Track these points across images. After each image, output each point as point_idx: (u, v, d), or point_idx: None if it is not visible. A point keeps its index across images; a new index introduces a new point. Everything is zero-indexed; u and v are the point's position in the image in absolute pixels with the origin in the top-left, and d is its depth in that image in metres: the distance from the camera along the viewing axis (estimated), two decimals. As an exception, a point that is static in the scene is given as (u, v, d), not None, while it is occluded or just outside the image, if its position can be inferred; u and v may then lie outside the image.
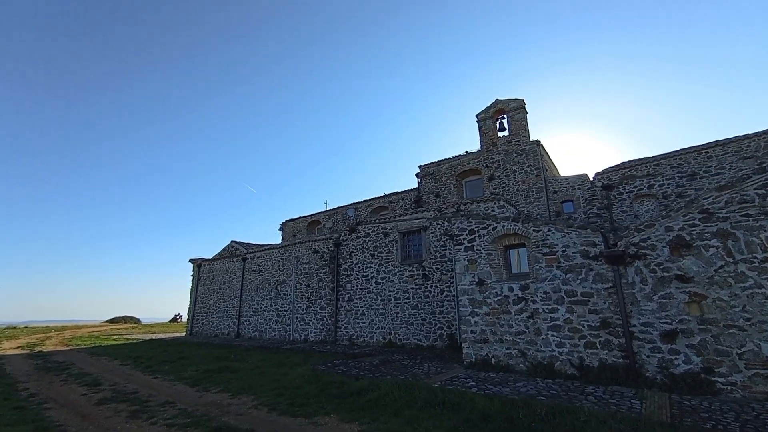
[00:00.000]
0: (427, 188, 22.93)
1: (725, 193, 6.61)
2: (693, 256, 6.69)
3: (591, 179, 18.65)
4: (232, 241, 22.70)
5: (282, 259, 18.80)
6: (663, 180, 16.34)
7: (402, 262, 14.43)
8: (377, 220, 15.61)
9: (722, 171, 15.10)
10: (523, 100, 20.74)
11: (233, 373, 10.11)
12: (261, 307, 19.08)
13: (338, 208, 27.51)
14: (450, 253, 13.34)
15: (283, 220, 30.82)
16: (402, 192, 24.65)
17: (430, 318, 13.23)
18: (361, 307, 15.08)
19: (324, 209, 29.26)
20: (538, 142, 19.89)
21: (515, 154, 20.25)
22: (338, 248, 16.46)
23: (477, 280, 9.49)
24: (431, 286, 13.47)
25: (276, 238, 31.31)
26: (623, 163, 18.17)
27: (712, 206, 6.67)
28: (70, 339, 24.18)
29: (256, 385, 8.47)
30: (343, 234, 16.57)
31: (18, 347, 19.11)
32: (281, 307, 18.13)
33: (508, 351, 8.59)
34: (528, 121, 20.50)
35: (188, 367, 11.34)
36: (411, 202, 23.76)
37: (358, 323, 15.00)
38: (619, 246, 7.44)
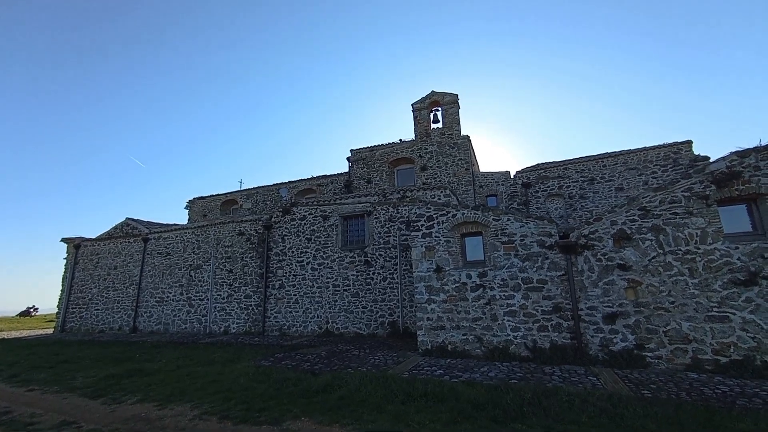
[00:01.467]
0: (359, 173, 22.39)
1: (659, 194, 7.63)
2: (632, 247, 7.61)
3: (512, 177, 20.46)
4: (127, 218, 18.89)
5: (197, 240, 16.32)
6: (569, 182, 18.72)
7: (342, 248, 13.75)
8: (315, 202, 14.56)
9: (613, 178, 17.93)
10: (457, 95, 21.54)
11: (148, 376, 8.32)
12: (168, 296, 16.34)
13: (259, 187, 25.15)
14: (394, 240, 13.14)
15: (191, 198, 27.02)
16: (331, 176, 23.64)
17: (371, 306, 12.90)
18: (294, 294, 13.97)
19: (240, 188, 26.51)
20: (468, 137, 20.95)
21: (448, 147, 21.00)
22: (269, 231, 14.92)
23: (435, 266, 9.44)
24: (374, 273, 13.12)
25: (179, 219, 27.32)
26: (539, 164, 20.26)
27: (649, 204, 7.65)
28: None
29: (189, 390, 7.05)
30: (275, 215, 15.07)
31: None
32: (195, 296, 15.79)
33: (465, 337, 8.75)
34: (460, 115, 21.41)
35: (77, 373, 9.01)
36: (341, 187, 22.96)
37: (291, 312, 13.88)
38: (572, 237, 8.09)
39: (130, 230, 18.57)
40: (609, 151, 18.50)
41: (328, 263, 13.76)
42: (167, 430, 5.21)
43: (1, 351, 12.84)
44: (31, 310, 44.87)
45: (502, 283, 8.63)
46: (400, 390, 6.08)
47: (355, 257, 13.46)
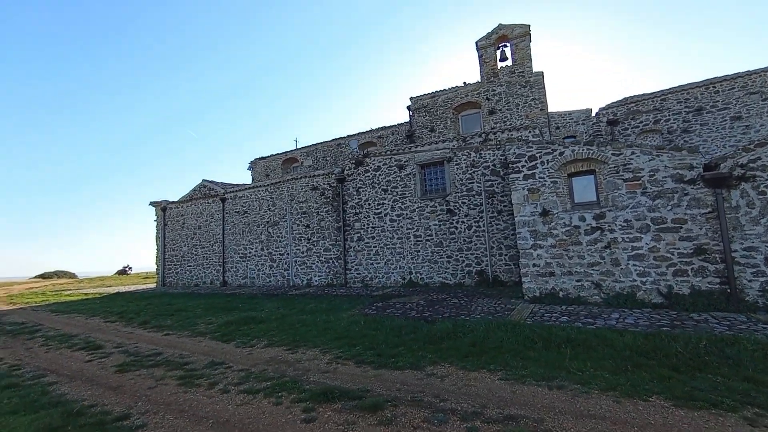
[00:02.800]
0: (421, 122, 21.27)
1: None
2: (809, 175, 6.28)
3: (594, 115, 18.31)
4: (203, 180, 19.77)
5: (272, 198, 16.69)
6: (669, 115, 16.34)
7: (422, 197, 13.26)
8: (389, 152, 14.00)
9: (729, 106, 15.31)
10: (528, 26, 19.10)
11: (262, 323, 8.72)
12: (250, 252, 17.22)
13: (318, 144, 25.01)
14: (478, 186, 12.37)
15: (252, 159, 27.71)
16: (391, 126, 22.77)
17: (456, 255, 12.54)
18: (374, 246, 13.97)
19: (298, 146, 26.63)
20: (542, 74, 18.80)
21: (518, 86, 19.06)
22: (342, 184, 14.77)
23: (540, 210, 8.66)
24: (457, 222, 12.60)
25: (243, 179, 28.30)
26: (628, 98, 17.81)
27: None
28: (9, 297, 20.64)
29: (309, 336, 7.23)
30: (347, 168, 14.80)
31: (-57, 309, 15.73)
32: (275, 251, 16.45)
33: (579, 283, 8.10)
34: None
35: (196, 320, 9.72)
36: (402, 138, 22.10)
37: (372, 264, 13.98)
38: (723, 168, 6.85)
39: (207, 191, 19.46)
40: (724, 74, 15.66)
41: (407, 213, 13.43)
42: (311, 372, 5.28)
43: (124, 302, 14.40)
44: (127, 268, 50.64)
45: (624, 224, 7.70)
46: (536, 336, 5.69)
47: (436, 206, 12.97)
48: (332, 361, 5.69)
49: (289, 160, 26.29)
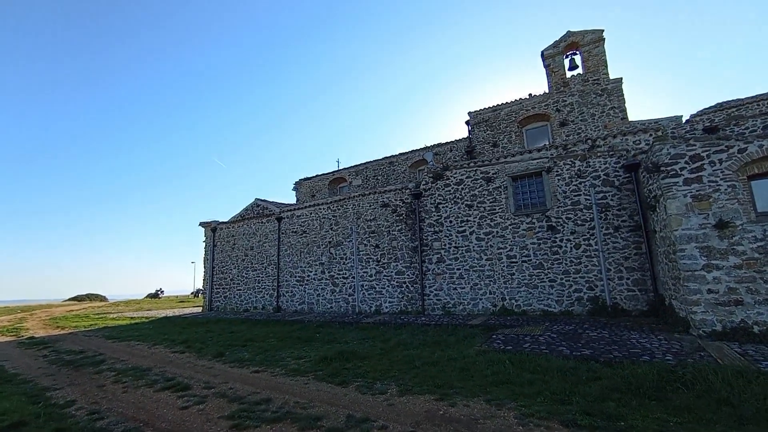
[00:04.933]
0: (481, 137, 20.00)
1: None
2: None
3: (685, 121, 16.57)
4: (256, 199, 18.92)
5: (335, 216, 15.49)
6: (780, 119, 14.43)
7: (516, 213, 11.71)
8: (474, 164, 12.63)
9: None
10: (602, 31, 17.92)
11: (364, 359, 7.19)
12: (308, 275, 15.89)
13: (368, 162, 24.04)
14: (587, 199, 10.74)
15: (297, 179, 27.03)
16: (449, 143, 21.58)
17: (561, 278, 10.77)
18: (458, 268, 12.36)
19: (340, 167, 25.79)
20: (620, 80, 17.37)
21: (593, 95, 17.65)
22: (418, 200, 13.41)
23: (714, 221, 6.95)
24: (562, 240, 10.92)
25: (287, 200, 27.54)
26: (722, 103, 16.07)
27: None
28: (53, 320, 19.94)
29: (446, 379, 5.68)
30: (423, 182, 13.49)
31: (-7, 333, 14.95)
32: (338, 274, 15.05)
33: (788, 315, 6.24)
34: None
35: (277, 353, 8.31)
36: (461, 153, 20.83)
37: (455, 288, 12.32)
38: None
39: (260, 210, 18.54)
40: None
41: (498, 231, 11.85)
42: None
43: (179, 328, 13.18)
44: (159, 292, 50.46)
45: None
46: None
47: (534, 222, 11.36)
48: (524, 421, 4.08)
49: (336, 180, 25.41)
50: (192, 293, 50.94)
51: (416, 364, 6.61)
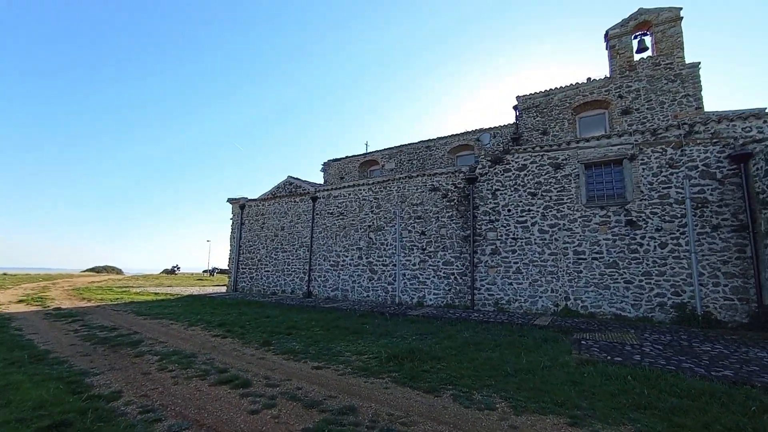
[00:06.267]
0: (530, 123, 18.51)
1: None
2: None
3: None
4: (289, 177, 17.97)
5: (376, 198, 14.43)
6: None
7: (588, 204, 10.45)
8: (540, 147, 11.35)
9: None
10: (679, 9, 16.12)
11: (439, 361, 6.21)
12: (344, 260, 14.96)
13: (403, 145, 22.80)
14: (679, 193, 9.41)
15: (326, 160, 26.00)
16: (493, 128, 20.16)
17: (640, 280, 9.55)
18: (515, 262, 11.22)
19: (368, 150, 24.63)
20: (698, 65, 15.64)
21: (664, 80, 15.96)
22: (473, 185, 12.23)
23: None
24: (643, 238, 9.66)
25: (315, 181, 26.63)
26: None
27: None
28: (76, 291, 19.61)
29: (560, 394, 4.61)
30: (480, 166, 12.28)
31: (19, 301, 14.53)
32: (376, 260, 14.07)
33: None
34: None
35: (329, 345, 7.40)
36: (507, 141, 19.41)
37: (510, 284, 11.21)
38: None
39: (293, 189, 17.61)
40: None
41: (565, 224, 10.64)
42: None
43: (210, 308, 12.45)
44: (175, 268, 50.65)
45: None
46: None
47: (609, 216, 10.10)
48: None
49: (367, 162, 24.26)
50: (205, 271, 50.95)
51: (507, 371, 5.58)
